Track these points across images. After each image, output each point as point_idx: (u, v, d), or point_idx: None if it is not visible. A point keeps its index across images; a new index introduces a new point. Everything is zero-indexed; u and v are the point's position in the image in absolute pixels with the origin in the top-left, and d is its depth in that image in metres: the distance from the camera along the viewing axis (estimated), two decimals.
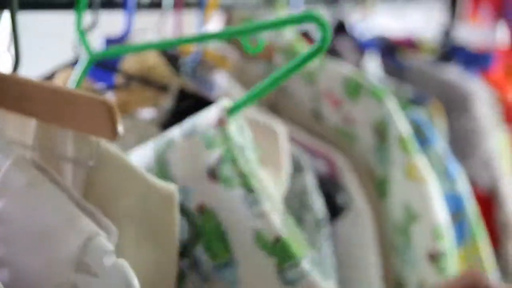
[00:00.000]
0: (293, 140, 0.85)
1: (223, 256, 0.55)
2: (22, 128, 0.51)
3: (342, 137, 0.93)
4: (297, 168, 0.69)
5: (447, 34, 1.39)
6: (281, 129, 0.63)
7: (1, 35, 0.59)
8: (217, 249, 0.54)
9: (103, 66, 0.76)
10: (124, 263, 0.45)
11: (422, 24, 1.78)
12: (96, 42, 0.83)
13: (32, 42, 0.72)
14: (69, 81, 0.61)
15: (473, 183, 1.23)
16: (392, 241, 0.90)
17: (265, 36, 1.09)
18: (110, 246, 0.46)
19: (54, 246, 0.45)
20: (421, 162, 0.89)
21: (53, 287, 0.45)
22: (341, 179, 0.84)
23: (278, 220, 0.54)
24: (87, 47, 0.63)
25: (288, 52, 0.96)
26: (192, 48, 0.93)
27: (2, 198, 0.46)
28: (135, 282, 0.45)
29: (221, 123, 0.56)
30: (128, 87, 0.70)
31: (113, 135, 0.49)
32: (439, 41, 1.41)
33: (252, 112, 0.62)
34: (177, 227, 0.52)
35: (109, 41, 0.80)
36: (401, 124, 0.89)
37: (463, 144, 1.26)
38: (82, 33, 0.63)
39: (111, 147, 0.52)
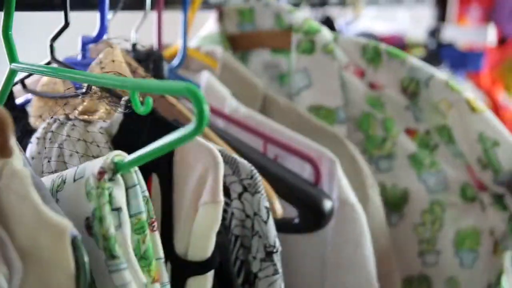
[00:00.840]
0: (278, 143, 0.83)
1: None
2: None
3: (371, 107, 0.94)
4: (251, 191, 0.66)
5: (434, 33, 1.38)
6: (219, 160, 0.60)
7: None
8: None
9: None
10: None
11: (411, 26, 1.78)
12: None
13: None
14: None
15: None
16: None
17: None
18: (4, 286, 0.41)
19: None
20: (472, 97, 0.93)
21: None
22: (328, 182, 0.82)
23: None
24: (12, 55, 0.61)
25: (307, 33, 0.97)
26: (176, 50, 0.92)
27: None
28: None
29: (100, 176, 0.53)
30: (90, 93, 0.68)
31: (4, 152, 0.45)
32: (427, 40, 1.40)
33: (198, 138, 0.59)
34: (70, 266, 0.46)
35: (85, 42, 0.79)
36: (433, 70, 0.92)
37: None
38: (7, 38, 0.61)
39: (19, 167, 0.48)
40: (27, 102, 0.74)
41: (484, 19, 2.11)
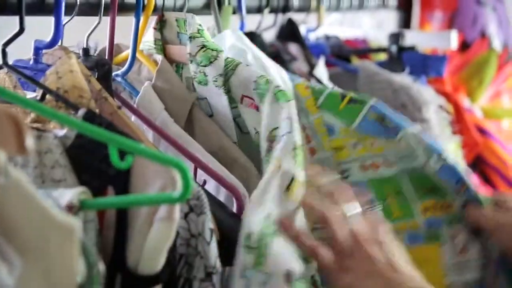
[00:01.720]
0: (207, 170, 0.83)
1: None
2: None
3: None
4: (197, 212, 0.66)
5: (396, 37, 1.39)
6: (177, 178, 0.60)
7: None
8: None
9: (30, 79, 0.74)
10: None
11: (377, 32, 1.79)
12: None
13: None
14: None
15: None
16: None
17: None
18: (8, 281, 0.43)
19: None
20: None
21: None
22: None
23: None
24: None
25: (199, 65, 0.90)
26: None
27: None
28: None
29: (68, 211, 0.54)
30: (44, 102, 0.67)
31: (21, 149, 0.47)
32: (389, 44, 1.40)
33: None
34: (76, 264, 0.49)
35: (38, 47, 0.78)
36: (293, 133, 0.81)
37: None
38: None
39: (14, 170, 0.49)
40: None
41: (447, 25, 2.14)
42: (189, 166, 0.84)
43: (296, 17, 1.38)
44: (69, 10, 0.82)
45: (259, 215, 0.72)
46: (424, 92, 1.28)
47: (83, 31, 0.88)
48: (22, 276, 0.47)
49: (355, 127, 0.95)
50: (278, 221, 0.74)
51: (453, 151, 1.36)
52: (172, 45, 0.97)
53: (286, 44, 1.35)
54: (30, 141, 0.47)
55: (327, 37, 1.53)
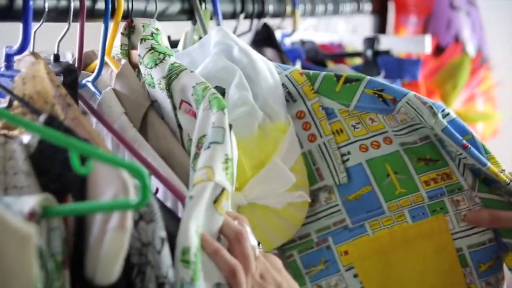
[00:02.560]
0: (161, 178, 0.82)
1: None
2: None
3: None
4: (146, 220, 0.64)
5: (371, 42, 1.39)
6: (129, 186, 0.59)
7: None
8: None
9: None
10: None
11: (353, 37, 1.79)
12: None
13: None
14: None
15: None
16: None
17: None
18: None
19: None
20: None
21: None
22: None
23: None
24: None
25: (146, 67, 0.89)
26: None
27: None
28: None
29: (30, 218, 0.52)
30: (11, 108, 0.66)
31: None
32: (364, 48, 1.41)
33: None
34: (33, 273, 0.48)
35: (9, 53, 0.77)
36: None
37: None
38: None
39: None
40: None
41: (422, 30, 2.15)
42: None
43: (272, 22, 1.37)
44: (39, 16, 0.81)
45: (193, 227, 0.69)
46: None
47: (53, 38, 0.87)
48: None
49: (354, 106, 0.96)
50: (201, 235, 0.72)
51: None
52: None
53: (262, 49, 1.35)
54: None
55: (303, 42, 1.53)
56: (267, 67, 0.97)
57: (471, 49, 2.16)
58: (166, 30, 0.98)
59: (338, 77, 0.97)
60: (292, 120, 0.98)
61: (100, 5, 0.89)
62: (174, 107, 0.88)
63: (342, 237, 1.02)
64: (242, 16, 1.22)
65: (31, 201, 0.53)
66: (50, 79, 0.74)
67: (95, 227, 0.60)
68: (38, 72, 0.73)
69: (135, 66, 0.93)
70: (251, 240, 0.75)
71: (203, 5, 1.07)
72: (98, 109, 0.89)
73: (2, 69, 0.79)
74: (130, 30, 0.96)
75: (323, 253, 1.03)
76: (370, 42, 1.41)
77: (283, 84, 0.98)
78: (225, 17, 1.16)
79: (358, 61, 1.58)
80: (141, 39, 0.90)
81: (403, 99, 0.93)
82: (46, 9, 0.81)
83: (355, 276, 1.02)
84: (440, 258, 1.00)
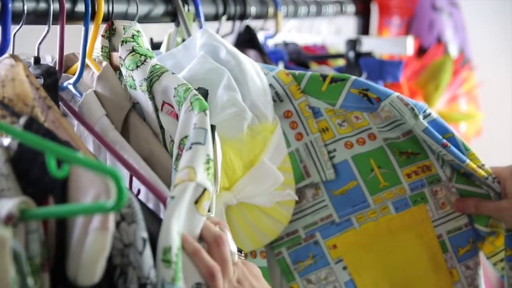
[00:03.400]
0: (143, 180, 0.82)
1: None
2: None
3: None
4: (128, 221, 0.64)
5: (353, 43, 1.40)
6: (110, 187, 0.59)
7: None
8: None
9: None
10: None
11: (336, 39, 1.80)
12: None
13: None
14: None
15: None
16: None
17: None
18: None
19: None
20: None
21: None
22: None
23: None
24: None
25: (128, 69, 0.89)
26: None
27: None
28: None
29: (7, 221, 0.52)
30: None
31: None
32: (346, 50, 1.41)
33: None
34: (8, 276, 0.47)
35: None
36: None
37: None
38: None
39: None
40: None
41: (405, 31, 2.16)
42: (125, 174, 0.83)
43: (254, 24, 1.38)
44: (18, 19, 0.80)
45: (174, 227, 0.70)
46: None
47: (33, 41, 0.87)
48: None
49: (339, 105, 0.98)
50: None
51: None
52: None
53: (244, 50, 1.35)
54: None
55: (286, 44, 1.53)
56: (254, 69, 0.98)
57: (453, 50, 2.18)
58: (148, 32, 0.98)
59: (324, 77, 0.99)
60: (280, 119, 1.00)
61: (80, 8, 0.89)
62: (156, 109, 0.88)
63: (330, 231, 1.05)
64: (224, 18, 1.22)
65: (9, 204, 0.53)
66: (30, 81, 0.74)
67: (77, 228, 0.60)
68: (18, 74, 0.73)
69: (116, 68, 0.93)
70: (231, 245, 0.76)
71: (186, 7, 1.07)
72: (79, 111, 0.89)
73: None
74: (110, 33, 0.95)
75: (311, 249, 1.06)
76: (352, 44, 1.41)
77: (270, 85, 1.00)
78: (207, 19, 1.16)
79: (341, 62, 1.58)
80: (122, 41, 0.90)
81: (386, 100, 0.96)
82: (25, 12, 0.80)
83: (344, 268, 1.05)
84: (423, 245, 1.05)
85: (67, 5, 0.86)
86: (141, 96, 0.88)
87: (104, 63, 0.93)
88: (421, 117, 0.96)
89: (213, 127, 0.80)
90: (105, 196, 0.58)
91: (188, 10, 1.08)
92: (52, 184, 0.60)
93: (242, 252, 0.83)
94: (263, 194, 0.96)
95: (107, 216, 0.58)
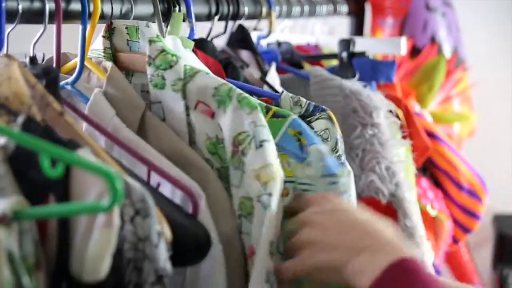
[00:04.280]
0: (161, 172, 0.83)
1: None
2: None
3: (210, 154, 0.89)
4: (142, 215, 0.66)
5: (347, 43, 1.41)
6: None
7: None
8: None
9: None
10: None
11: (330, 39, 1.81)
12: None
13: None
14: None
15: (376, 194, 1.24)
16: None
17: None
18: None
19: None
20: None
21: None
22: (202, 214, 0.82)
23: None
24: None
25: (158, 68, 0.90)
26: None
27: None
28: None
29: (0, 221, 0.53)
30: None
31: None
32: (339, 50, 1.42)
33: None
34: (3, 276, 0.48)
35: None
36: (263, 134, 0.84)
37: (365, 155, 1.27)
38: None
39: None
40: None
41: (398, 31, 2.17)
42: (144, 169, 0.84)
43: (247, 24, 1.38)
44: (12, 18, 0.80)
45: (278, 221, 0.82)
46: (374, 97, 1.29)
47: (27, 40, 0.87)
48: None
49: (276, 143, 0.90)
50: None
51: (404, 155, 1.38)
52: (122, 53, 0.97)
53: (237, 50, 1.35)
54: None
55: (279, 43, 1.54)
56: None
57: (447, 50, 2.19)
58: None
59: (268, 109, 0.93)
60: None
61: (74, 7, 0.89)
62: (187, 108, 0.89)
63: None
64: (216, 18, 1.22)
65: (2, 204, 0.53)
66: (25, 79, 0.74)
67: (81, 225, 0.60)
68: (13, 73, 0.73)
69: (121, 69, 0.94)
70: None
71: (176, 8, 1.07)
72: (89, 111, 0.90)
73: None
74: (110, 32, 0.96)
75: None
76: (346, 44, 1.42)
77: None
78: (200, 19, 1.17)
79: (334, 62, 1.59)
80: (150, 41, 0.91)
81: (311, 148, 0.91)
82: (20, 11, 0.80)
83: None
84: None
85: (62, 4, 0.86)
86: (169, 95, 0.90)
87: (107, 64, 0.94)
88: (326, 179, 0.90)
89: None
90: (107, 194, 0.58)
91: (179, 10, 1.08)
92: (53, 182, 0.61)
93: None
94: None
95: (112, 212, 0.58)
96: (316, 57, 1.61)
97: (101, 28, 0.98)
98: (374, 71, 1.41)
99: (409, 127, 1.44)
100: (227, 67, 1.18)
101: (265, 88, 1.25)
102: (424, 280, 0.74)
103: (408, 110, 1.46)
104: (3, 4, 0.77)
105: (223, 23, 1.28)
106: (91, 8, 0.90)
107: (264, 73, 1.31)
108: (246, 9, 1.30)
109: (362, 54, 1.42)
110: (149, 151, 0.86)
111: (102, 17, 0.94)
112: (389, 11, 2.18)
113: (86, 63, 0.94)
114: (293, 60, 1.52)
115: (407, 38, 1.89)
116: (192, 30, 1.10)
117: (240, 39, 1.35)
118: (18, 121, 0.65)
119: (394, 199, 1.30)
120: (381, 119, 1.29)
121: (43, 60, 0.93)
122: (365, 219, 0.83)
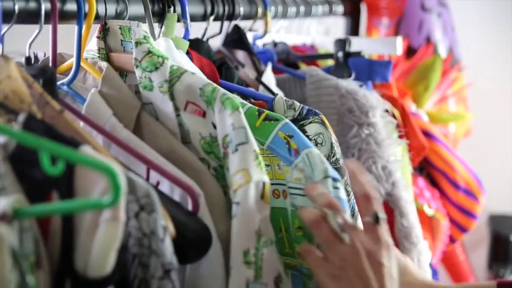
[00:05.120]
0: (160, 170, 0.83)
1: None
2: None
3: (205, 153, 0.89)
4: (147, 210, 0.66)
5: (342, 43, 1.41)
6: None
7: None
8: None
9: None
10: None
11: (324, 38, 1.81)
12: None
13: None
14: None
15: None
16: None
17: None
18: None
19: None
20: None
21: None
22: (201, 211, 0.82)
23: None
24: None
25: (145, 70, 0.90)
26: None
27: None
28: None
29: (1, 220, 0.53)
30: None
31: None
32: (335, 50, 1.41)
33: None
34: (6, 273, 0.48)
35: None
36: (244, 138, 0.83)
37: (361, 155, 1.27)
38: None
39: None
40: None
41: (394, 32, 2.17)
42: (142, 168, 0.84)
43: (243, 24, 1.38)
44: (8, 18, 0.80)
45: (249, 230, 0.78)
46: (370, 97, 1.29)
47: (24, 40, 0.87)
48: None
49: (267, 146, 0.92)
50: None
51: (400, 154, 1.38)
52: (116, 53, 0.97)
53: (233, 51, 1.35)
54: None
55: (275, 44, 1.54)
56: None
57: (442, 50, 2.19)
58: None
59: (260, 112, 0.93)
60: None
61: (70, 7, 0.89)
62: (177, 109, 0.89)
63: None
64: (211, 18, 1.22)
65: (2, 203, 0.53)
66: (23, 78, 0.74)
67: (87, 220, 0.60)
68: (12, 72, 0.74)
69: (115, 69, 0.94)
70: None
71: (171, 8, 1.06)
72: (86, 111, 0.90)
73: None
74: (105, 33, 0.96)
75: None
76: (342, 44, 1.42)
77: None
78: (195, 19, 1.16)
79: (330, 62, 1.59)
80: (136, 43, 0.91)
81: (303, 151, 0.89)
82: (16, 11, 0.80)
83: None
84: None
85: (58, 5, 0.86)
86: (158, 97, 0.90)
87: (102, 64, 0.94)
88: (329, 182, 0.88)
89: None
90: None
91: (174, 10, 1.08)
92: (56, 180, 0.61)
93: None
94: None
95: (117, 207, 0.59)
96: (312, 57, 1.61)
97: (96, 28, 0.98)
98: (370, 71, 1.41)
99: (406, 126, 1.44)
100: (221, 67, 1.18)
101: (261, 88, 1.25)
102: None
103: (404, 109, 1.46)
104: None
105: (218, 23, 1.28)
106: (86, 9, 0.90)
107: (260, 74, 1.31)
108: (241, 10, 1.30)
109: (358, 54, 1.42)
110: (148, 150, 0.86)
111: (97, 17, 0.94)
112: (384, 11, 2.18)
113: (82, 63, 0.94)
114: (289, 60, 1.52)
115: (403, 38, 1.89)
116: (187, 30, 1.10)
117: (236, 39, 1.35)
118: (19, 120, 0.65)
119: (390, 198, 1.30)
120: (377, 119, 1.29)
121: (37, 59, 0.93)
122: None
